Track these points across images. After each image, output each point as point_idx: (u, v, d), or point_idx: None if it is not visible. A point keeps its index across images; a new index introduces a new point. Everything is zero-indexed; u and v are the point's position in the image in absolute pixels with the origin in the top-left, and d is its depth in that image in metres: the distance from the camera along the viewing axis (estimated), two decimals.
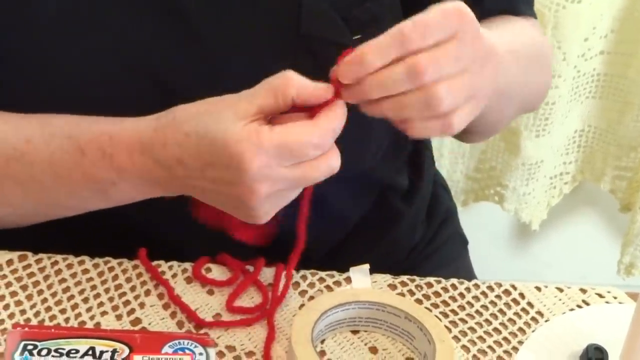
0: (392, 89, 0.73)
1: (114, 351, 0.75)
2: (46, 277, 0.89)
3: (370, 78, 0.73)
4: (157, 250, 0.92)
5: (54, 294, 0.88)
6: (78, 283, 0.89)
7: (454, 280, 0.93)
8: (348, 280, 0.92)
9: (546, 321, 0.89)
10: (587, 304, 0.91)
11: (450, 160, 1.63)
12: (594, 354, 0.82)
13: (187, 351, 0.76)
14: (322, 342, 0.85)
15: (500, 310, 0.90)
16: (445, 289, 0.92)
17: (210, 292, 0.89)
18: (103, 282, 0.89)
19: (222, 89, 0.78)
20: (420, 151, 1.07)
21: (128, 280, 0.90)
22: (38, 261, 0.91)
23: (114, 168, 0.80)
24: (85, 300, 0.87)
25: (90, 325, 0.85)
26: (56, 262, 0.91)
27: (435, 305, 0.90)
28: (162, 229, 0.92)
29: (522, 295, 0.92)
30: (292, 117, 0.75)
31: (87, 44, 0.84)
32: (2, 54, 0.84)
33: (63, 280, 0.89)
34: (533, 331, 0.87)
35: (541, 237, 1.80)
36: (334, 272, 0.92)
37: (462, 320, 0.89)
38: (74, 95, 0.85)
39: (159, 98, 0.82)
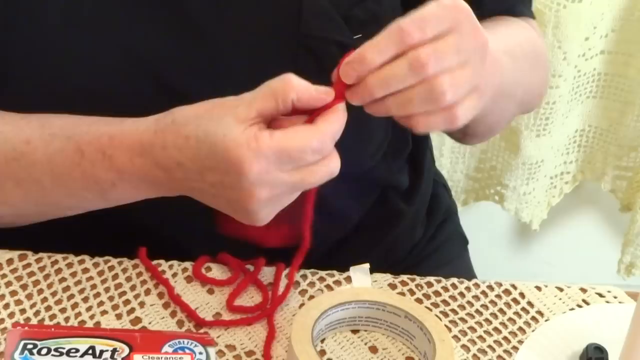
0: (395, 85, 0.73)
1: (114, 350, 0.75)
2: (46, 277, 0.89)
3: (373, 76, 0.73)
4: (157, 250, 0.92)
5: (54, 293, 0.88)
6: (78, 282, 0.89)
7: (454, 280, 0.93)
8: (348, 279, 0.92)
9: (546, 321, 0.89)
10: (587, 303, 0.91)
11: (450, 159, 1.63)
12: (594, 354, 0.82)
13: (187, 350, 0.76)
14: (322, 341, 0.85)
15: (501, 310, 0.90)
16: (446, 289, 0.92)
17: (211, 292, 0.89)
18: (103, 282, 0.89)
19: (222, 87, 0.78)
20: (420, 151, 1.07)
21: (128, 279, 0.90)
22: (38, 260, 0.91)
23: (113, 169, 0.80)
24: (85, 299, 0.87)
25: (90, 324, 0.85)
26: (56, 262, 0.91)
27: (436, 305, 0.90)
28: (162, 228, 0.92)
29: (522, 295, 0.92)
30: (292, 120, 0.75)
31: (90, 42, 0.84)
32: (6, 52, 0.84)
33: (63, 279, 0.89)
34: (533, 331, 0.87)
35: (541, 236, 1.80)
36: (334, 272, 0.92)
37: (462, 319, 0.89)
38: (76, 93, 0.85)
39: (160, 96, 0.82)
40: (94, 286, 0.89)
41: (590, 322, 0.86)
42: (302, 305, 0.88)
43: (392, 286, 0.91)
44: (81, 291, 0.88)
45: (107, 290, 0.88)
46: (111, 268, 0.91)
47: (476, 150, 1.62)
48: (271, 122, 0.75)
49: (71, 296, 0.87)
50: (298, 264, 0.88)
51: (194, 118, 0.76)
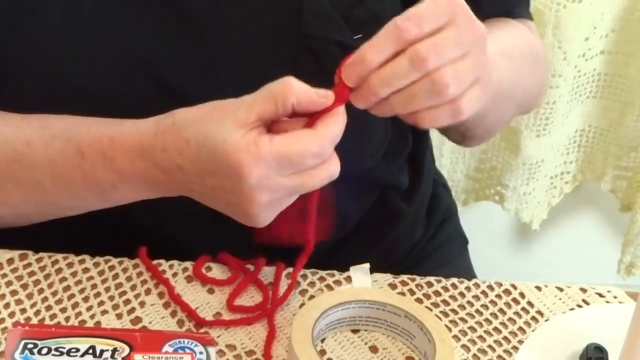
0: (398, 82, 0.73)
1: (114, 350, 0.75)
2: (47, 276, 0.89)
3: (375, 76, 0.73)
4: (158, 249, 0.92)
5: (54, 293, 0.88)
6: (78, 282, 0.89)
7: (454, 280, 0.93)
8: (348, 279, 0.92)
9: (546, 321, 0.89)
10: (587, 303, 0.91)
11: (450, 159, 1.63)
12: (594, 354, 0.82)
13: (187, 350, 0.76)
14: (323, 341, 0.85)
15: (501, 310, 0.90)
16: (446, 288, 0.92)
17: (211, 291, 0.89)
18: (103, 281, 0.89)
19: (222, 87, 0.78)
20: (420, 150, 1.07)
21: (128, 279, 0.90)
22: (38, 260, 0.91)
23: (114, 171, 0.80)
24: (86, 299, 0.87)
25: (90, 324, 0.85)
26: (57, 261, 0.91)
27: (436, 305, 0.90)
28: (162, 228, 0.92)
29: (522, 295, 0.92)
30: (292, 123, 0.75)
31: (90, 42, 0.84)
32: (6, 52, 0.84)
33: (63, 279, 0.89)
34: (533, 330, 0.87)
35: (541, 236, 1.80)
36: (334, 271, 0.92)
37: (462, 319, 0.89)
38: (76, 93, 0.85)
39: (160, 96, 0.82)
40: (94, 286, 0.89)
41: (590, 322, 0.86)
42: (302, 305, 0.88)
43: (392, 286, 0.91)
44: (81, 291, 0.88)
45: (107, 289, 0.88)
46: (111, 268, 0.91)
47: (476, 150, 1.62)
48: (271, 125, 0.76)
49: (72, 296, 0.87)
50: (301, 265, 0.88)
51: (194, 121, 0.77)
